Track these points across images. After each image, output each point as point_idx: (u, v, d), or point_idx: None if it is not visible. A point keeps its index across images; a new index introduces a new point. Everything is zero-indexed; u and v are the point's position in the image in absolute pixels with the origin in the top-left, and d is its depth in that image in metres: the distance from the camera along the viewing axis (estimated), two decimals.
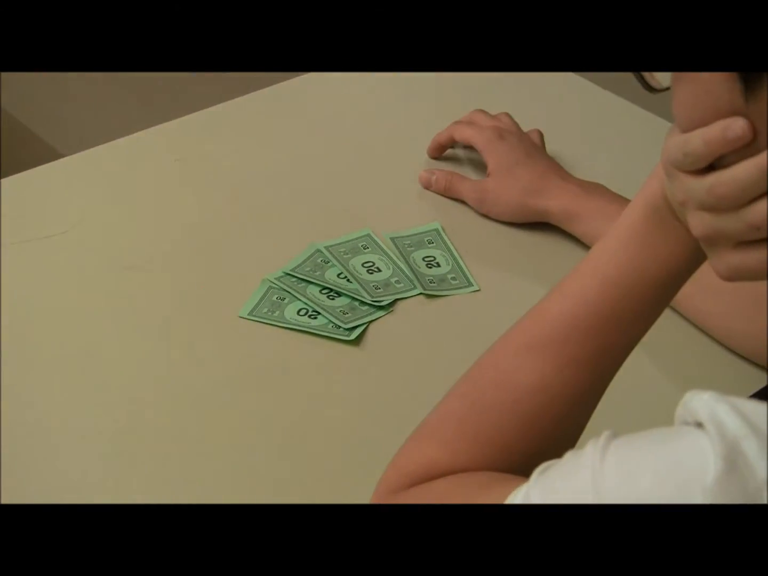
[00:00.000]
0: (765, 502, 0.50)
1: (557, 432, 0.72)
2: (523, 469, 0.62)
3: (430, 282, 1.03)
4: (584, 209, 1.04)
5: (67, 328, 0.96)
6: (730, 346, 0.96)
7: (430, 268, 1.04)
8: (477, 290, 1.03)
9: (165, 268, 1.02)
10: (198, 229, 1.07)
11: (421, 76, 1.21)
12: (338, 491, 0.78)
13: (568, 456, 0.60)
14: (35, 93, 2.39)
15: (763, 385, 0.92)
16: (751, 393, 0.87)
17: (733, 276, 0.64)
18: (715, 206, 0.62)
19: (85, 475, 0.85)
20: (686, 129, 0.61)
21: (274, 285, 1.00)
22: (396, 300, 1.02)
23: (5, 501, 0.81)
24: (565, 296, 0.72)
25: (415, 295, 1.03)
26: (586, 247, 1.03)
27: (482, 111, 1.15)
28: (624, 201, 0.99)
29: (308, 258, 1.03)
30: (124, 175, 1.14)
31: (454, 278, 1.03)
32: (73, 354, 0.94)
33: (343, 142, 1.19)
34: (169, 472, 0.86)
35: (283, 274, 1.02)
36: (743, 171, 0.58)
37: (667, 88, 0.63)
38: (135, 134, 1.18)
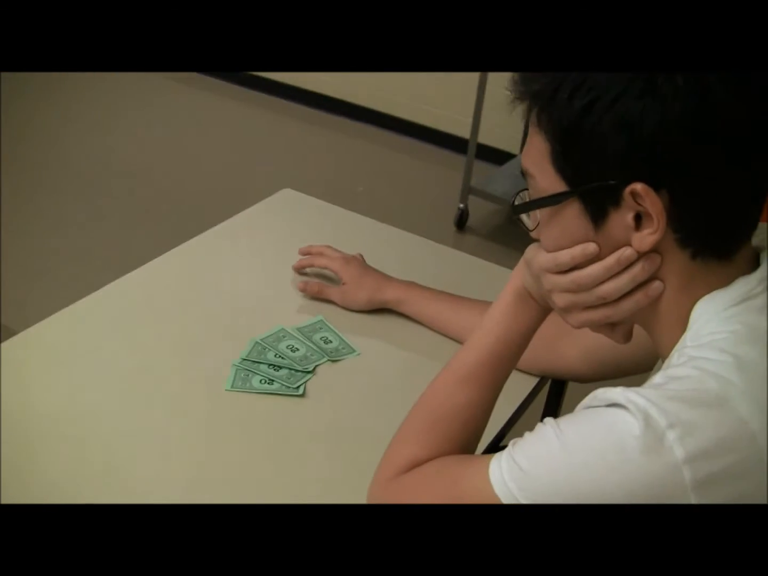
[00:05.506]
0: (669, 440, 0.56)
1: (478, 427, 0.82)
2: (462, 453, 0.73)
3: (330, 352, 1.15)
4: (408, 297, 1.22)
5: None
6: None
7: (326, 343, 1.19)
8: (359, 354, 1.15)
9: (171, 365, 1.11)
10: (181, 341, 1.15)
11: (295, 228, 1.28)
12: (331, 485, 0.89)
13: (528, 434, 0.66)
14: None
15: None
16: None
17: (583, 326, 0.74)
18: (575, 290, 0.71)
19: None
20: (552, 251, 0.71)
21: (239, 367, 1.11)
22: (315, 366, 1.14)
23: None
24: (475, 348, 0.83)
25: (324, 362, 1.16)
26: (412, 320, 1.21)
27: (327, 246, 1.25)
28: (429, 290, 1.20)
29: (253, 348, 1.15)
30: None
31: (343, 348, 1.18)
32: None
33: (263, 274, 1.32)
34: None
35: (241, 359, 1.12)
36: (595, 269, 0.69)
37: (533, 230, 0.73)
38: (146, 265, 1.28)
